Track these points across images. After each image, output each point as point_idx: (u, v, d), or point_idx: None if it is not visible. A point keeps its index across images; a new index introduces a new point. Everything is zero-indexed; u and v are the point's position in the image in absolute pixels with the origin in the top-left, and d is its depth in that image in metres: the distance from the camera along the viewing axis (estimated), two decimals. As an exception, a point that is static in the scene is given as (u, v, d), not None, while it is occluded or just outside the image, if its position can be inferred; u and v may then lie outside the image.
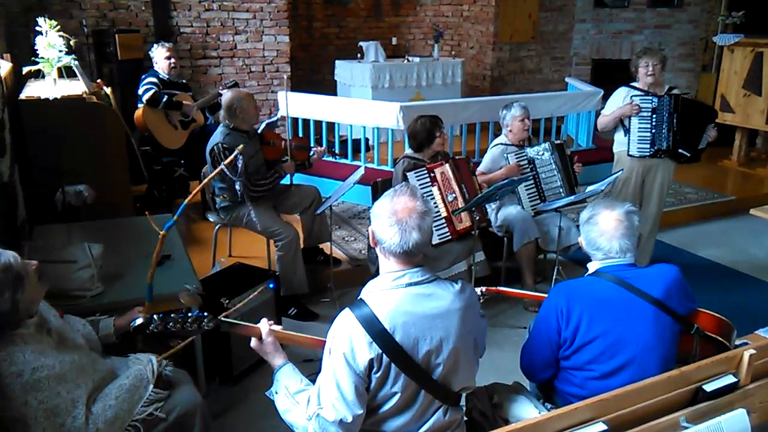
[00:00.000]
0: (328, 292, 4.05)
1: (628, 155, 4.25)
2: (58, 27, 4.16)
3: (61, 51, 4.16)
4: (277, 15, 6.81)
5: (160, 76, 5.07)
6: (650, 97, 4.14)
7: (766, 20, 7.53)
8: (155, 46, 5.18)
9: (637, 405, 1.79)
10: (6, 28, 4.88)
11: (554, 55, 8.70)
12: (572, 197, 3.99)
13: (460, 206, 3.75)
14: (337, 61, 7.70)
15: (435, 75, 7.48)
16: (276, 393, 1.87)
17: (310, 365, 2.54)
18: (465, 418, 1.98)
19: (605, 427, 1.70)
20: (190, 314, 1.91)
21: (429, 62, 7.54)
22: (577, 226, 2.36)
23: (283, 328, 2.00)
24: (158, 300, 2.63)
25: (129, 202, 4.23)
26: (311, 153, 4.33)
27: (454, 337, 1.76)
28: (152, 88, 4.91)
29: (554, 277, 4.05)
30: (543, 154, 4.18)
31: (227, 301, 3.11)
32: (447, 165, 3.82)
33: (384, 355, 1.69)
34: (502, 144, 4.28)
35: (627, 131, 4.24)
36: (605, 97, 4.69)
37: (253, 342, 1.93)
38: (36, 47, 4.13)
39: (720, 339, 2.08)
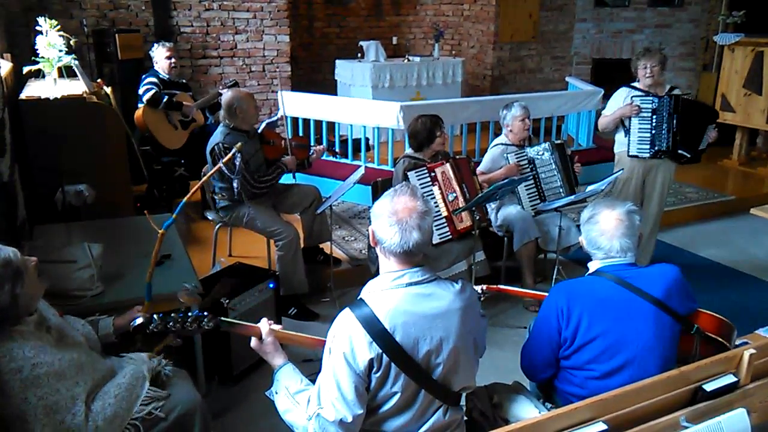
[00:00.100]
0: (328, 292, 4.05)
1: (629, 156, 4.25)
2: (59, 27, 4.15)
3: (61, 51, 4.15)
4: (277, 14, 6.81)
5: (161, 76, 5.07)
6: (650, 98, 4.14)
7: (766, 20, 7.53)
8: (155, 45, 5.18)
9: (637, 405, 1.79)
10: (6, 28, 4.88)
11: (555, 55, 8.70)
12: (572, 197, 3.99)
13: (460, 206, 3.75)
14: (337, 61, 7.70)
15: (435, 74, 7.48)
16: (276, 393, 1.87)
17: (310, 365, 2.54)
18: (465, 418, 1.98)
19: (605, 427, 1.70)
20: (190, 314, 1.91)
21: (429, 62, 7.53)
22: (578, 226, 2.37)
23: (283, 328, 2.00)
24: (158, 300, 2.63)
25: (129, 202, 4.23)
26: (311, 152, 4.34)
27: (454, 337, 1.76)
28: (152, 89, 4.91)
29: (554, 276, 4.05)
30: (543, 153, 4.18)
31: (227, 301, 3.11)
32: (447, 164, 3.82)
33: (384, 355, 1.69)
34: (502, 144, 4.28)
35: (627, 132, 4.24)
36: (606, 97, 4.68)
37: (253, 342, 1.93)
38: (36, 47, 4.13)
39: (720, 339, 2.08)
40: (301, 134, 6.06)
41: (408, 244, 1.73)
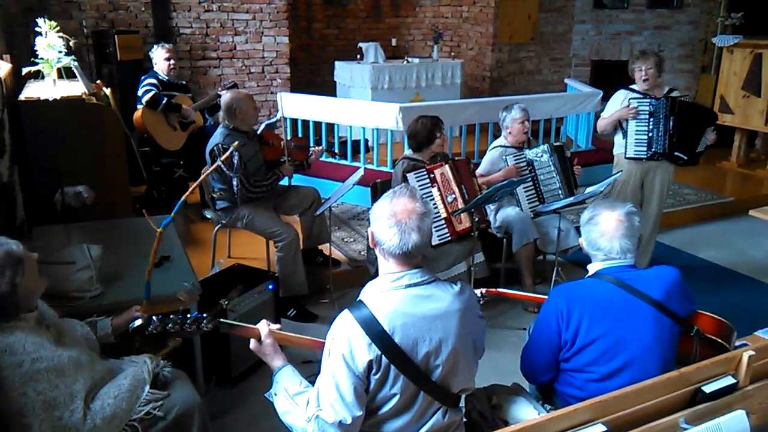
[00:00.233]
0: (327, 294, 4.05)
1: (626, 158, 4.25)
2: (58, 28, 4.15)
3: (60, 52, 4.15)
4: (276, 16, 6.81)
5: (160, 77, 5.07)
6: (647, 100, 4.14)
7: (765, 21, 7.54)
8: (155, 47, 5.18)
9: (636, 406, 1.79)
10: (5, 29, 4.87)
11: (553, 56, 8.70)
12: (571, 199, 3.99)
13: (459, 207, 3.75)
14: (336, 62, 7.70)
15: (434, 76, 7.49)
16: (275, 394, 1.87)
17: (309, 366, 2.54)
18: (464, 420, 1.98)
19: (605, 429, 1.70)
20: (189, 315, 1.91)
21: (428, 63, 7.54)
22: (577, 227, 2.37)
23: (281, 328, 2.00)
24: (157, 301, 2.64)
25: (128, 203, 4.22)
26: (309, 153, 4.34)
27: (453, 339, 1.76)
28: (152, 90, 4.91)
29: (553, 278, 4.05)
30: (542, 156, 4.19)
31: (226, 303, 3.11)
32: (447, 166, 3.82)
33: (383, 357, 1.69)
34: (500, 146, 4.29)
35: (625, 134, 4.24)
36: (605, 99, 4.69)
37: (252, 343, 1.93)
38: (35, 48, 4.12)
39: (720, 341, 2.08)
40: (300, 135, 6.06)
41: (407, 245, 1.73)
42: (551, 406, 2.16)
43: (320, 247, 4.35)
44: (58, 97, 3.82)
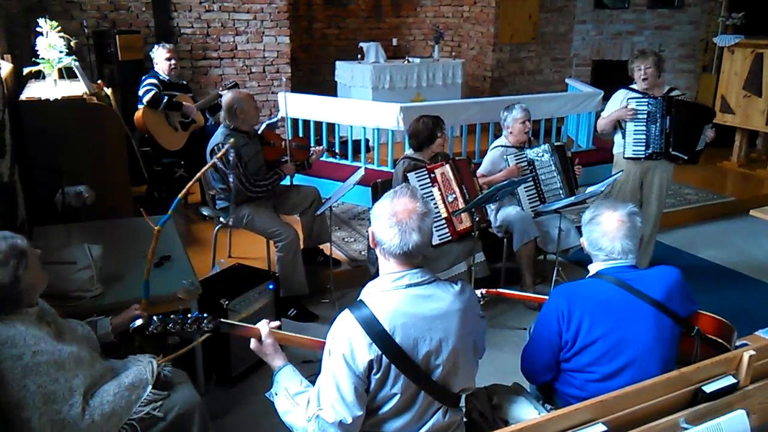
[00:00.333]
0: (327, 293, 4.05)
1: (624, 157, 4.25)
2: (59, 28, 4.16)
3: (61, 52, 4.16)
4: (277, 16, 6.81)
5: (161, 77, 5.07)
6: (646, 100, 4.13)
7: (766, 21, 7.53)
8: (156, 47, 5.18)
9: (636, 406, 1.79)
10: (6, 29, 4.88)
11: (554, 56, 8.70)
12: (572, 198, 3.99)
13: (460, 207, 3.75)
14: (337, 62, 7.70)
15: (435, 76, 7.49)
16: (276, 394, 1.87)
17: (309, 366, 2.54)
18: (464, 419, 1.98)
19: (605, 428, 1.70)
20: (189, 315, 1.91)
21: (429, 63, 7.54)
22: (577, 227, 2.37)
23: (280, 326, 2.00)
24: (157, 300, 2.64)
25: (129, 203, 4.23)
26: (310, 153, 4.34)
27: (453, 338, 1.76)
28: (152, 90, 4.91)
29: (554, 278, 4.05)
30: (543, 155, 4.19)
31: (227, 303, 3.11)
32: (447, 165, 3.82)
33: (384, 357, 1.69)
34: (501, 146, 4.29)
35: (624, 133, 4.24)
36: (605, 99, 4.69)
37: (253, 343, 1.93)
38: (36, 48, 4.13)
39: (720, 341, 2.08)
40: (301, 135, 6.07)
41: (408, 245, 1.73)
42: (552, 406, 2.16)
43: (320, 246, 4.35)
44: (59, 97, 3.82)
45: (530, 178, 4.13)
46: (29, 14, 5.31)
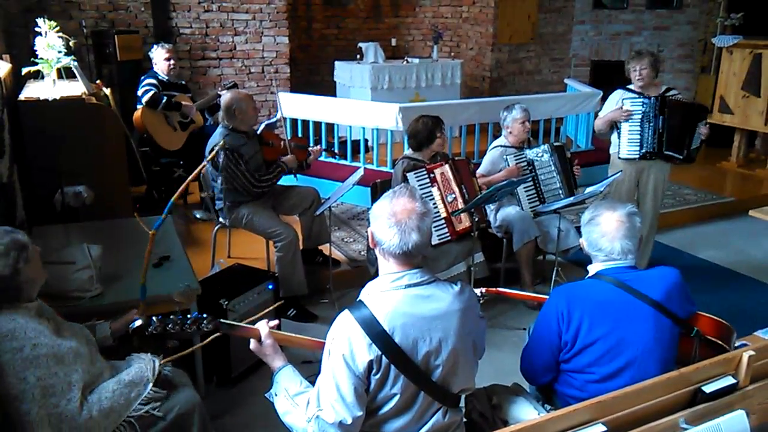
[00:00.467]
0: (327, 294, 4.05)
1: (619, 158, 4.26)
2: (58, 28, 4.15)
3: (60, 52, 4.15)
4: (276, 16, 6.81)
5: (160, 78, 5.06)
6: (640, 100, 4.14)
7: (764, 22, 7.54)
8: (154, 47, 5.18)
9: (636, 406, 1.79)
10: (5, 29, 4.87)
11: (553, 57, 8.70)
12: (571, 199, 3.99)
13: (459, 207, 3.75)
14: (336, 62, 7.70)
15: (434, 76, 7.49)
16: (275, 395, 1.87)
17: (309, 367, 2.54)
18: (464, 420, 1.98)
19: (605, 429, 1.70)
20: (189, 316, 1.91)
21: (428, 63, 7.54)
22: (577, 227, 2.36)
23: (279, 325, 2.00)
24: (157, 301, 2.64)
25: (128, 203, 4.22)
26: (309, 154, 4.33)
27: (453, 339, 1.76)
28: (151, 90, 4.91)
29: (553, 278, 4.05)
30: (542, 155, 4.19)
31: (226, 303, 3.11)
32: (447, 165, 3.82)
33: (383, 357, 1.69)
34: (501, 146, 4.29)
35: (620, 133, 4.25)
36: (604, 99, 4.69)
37: (253, 344, 1.93)
38: (35, 48, 4.12)
39: (720, 342, 2.08)
40: (300, 135, 6.06)
41: (407, 245, 1.73)
42: (551, 407, 2.16)
43: (320, 247, 4.35)
44: (57, 97, 3.81)
45: (530, 179, 4.14)
46: (28, 14, 5.31)
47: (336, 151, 5.57)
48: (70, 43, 4.34)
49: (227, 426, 2.95)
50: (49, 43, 4.08)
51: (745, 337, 2.35)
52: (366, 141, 6.11)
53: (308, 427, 1.73)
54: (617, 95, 4.29)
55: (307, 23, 8.31)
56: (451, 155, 4.30)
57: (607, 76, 7.94)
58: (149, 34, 6.22)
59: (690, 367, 1.91)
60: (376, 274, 1.86)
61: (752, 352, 1.94)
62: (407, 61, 7.53)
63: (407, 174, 3.73)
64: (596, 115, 4.67)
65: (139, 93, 4.96)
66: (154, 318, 1.89)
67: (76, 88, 4.09)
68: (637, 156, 4.20)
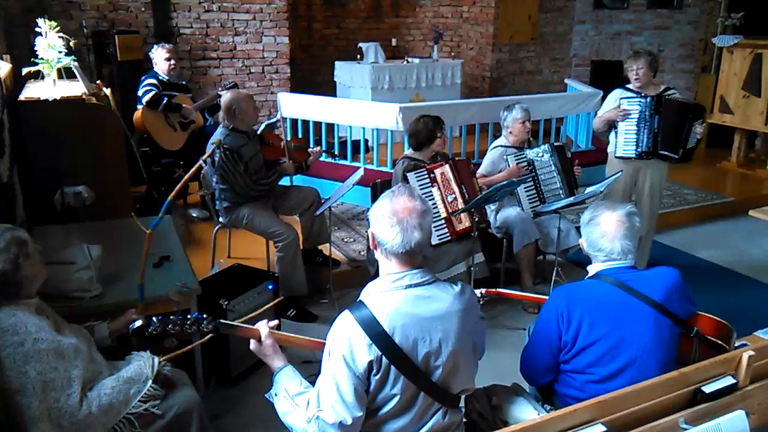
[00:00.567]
0: (327, 294, 4.05)
1: (615, 157, 4.26)
2: (58, 28, 4.15)
3: (60, 52, 4.15)
4: (276, 16, 6.81)
5: (160, 78, 5.06)
6: (637, 99, 4.13)
7: (765, 22, 7.53)
8: (155, 47, 5.17)
9: (636, 406, 1.79)
10: (5, 29, 4.87)
11: (554, 57, 8.70)
12: (571, 199, 3.99)
13: (459, 207, 3.75)
14: (336, 62, 7.70)
15: (434, 76, 7.49)
16: (275, 395, 1.87)
17: (309, 367, 2.54)
18: (464, 420, 1.98)
19: (605, 429, 1.70)
20: (189, 316, 1.91)
21: (428, 63, 7.54)
22: (577, 227, 2.36)
23: (278, 324, 2.00)
24: (156, 301, 2.64)
25: (128, 204, 4.21)
26: (308, 155, 4.33)
27: (453, 339, 1.76)
28: (152, 90, 4.91)
29: (553, 278, 4.05)
30: (542, 155, 4.19)
31: (226, 303, 3.11)
32: (447, 165, 3.82)
33: (383, 357, 1.69)
34: (501, 146, 4.28)
35: (617, 133, 4.25)
36: (604, 99, 4.69)
37: (252, 344, 1.93)
38: (36, 48, 4.13)
39: (720, 342, 2.08)
40: (300, 136, 6.06)
41: (410, 243, 1.73)
42: (551, 407, 2.16)
43: (320, 247, 4.35)
44: (58, 98, 3.82)
45: (530, 179, 4.13)
46: (28, 14, 5.31)
47: (336, 152, 5.57)
48: (71, 43, 4.34)
49: (227, 426, 2.95)
50: (50, 43, 4.09)
51: (745, 337, 2.35)
52: (366, 141, 6.10)
53: (308, 428, 1.73)
54: (615, 95, 4.29)
55: (308, 23, 8.30)
56: (451, 155, 4.29)
57: (608, 76, 7.92)
58: (149, 34, 6.22)
59: (690, 367, 1.91)
60: (376, 274, 1.86)
61: (752, 352, 1.94)
62: (407, 61, 7.53)
63: (407, 174, 3.73)
64: (596, 115, 4.68)
65: (140, 93, 4.96)
66: (154, 318, 1.89)
67: (77, 88, 4.09)
68: (634, 155, 4.19)
